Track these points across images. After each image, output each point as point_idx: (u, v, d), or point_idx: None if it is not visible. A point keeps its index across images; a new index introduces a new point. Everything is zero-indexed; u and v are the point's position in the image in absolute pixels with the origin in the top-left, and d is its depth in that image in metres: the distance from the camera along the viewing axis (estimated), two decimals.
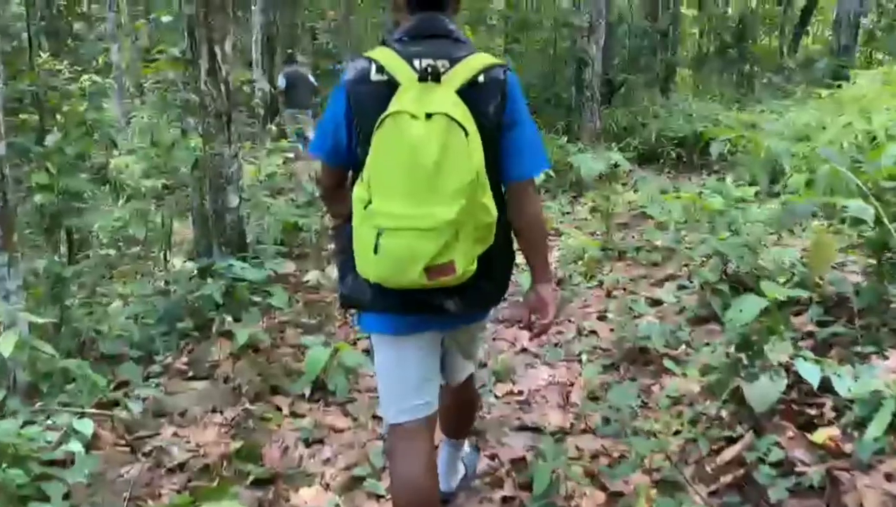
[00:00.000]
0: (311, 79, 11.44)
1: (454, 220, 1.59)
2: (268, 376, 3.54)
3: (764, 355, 2.52)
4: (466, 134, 1.61)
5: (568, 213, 6.62)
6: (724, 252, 3.55)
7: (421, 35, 1.81)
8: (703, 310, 3.81)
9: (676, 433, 2.68)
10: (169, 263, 5.87)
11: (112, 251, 6.55)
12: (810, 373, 2.38)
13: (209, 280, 4.43)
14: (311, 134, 11.38)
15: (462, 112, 1.64)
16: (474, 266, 1.68)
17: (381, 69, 1.75)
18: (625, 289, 4.42)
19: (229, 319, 4.20)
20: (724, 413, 2.64)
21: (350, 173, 1.89)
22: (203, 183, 5.13)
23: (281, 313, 4.43)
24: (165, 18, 6.62)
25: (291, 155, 10.32)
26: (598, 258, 4.82)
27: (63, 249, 5.87)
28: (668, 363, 3.17)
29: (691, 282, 4.28)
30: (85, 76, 8.40)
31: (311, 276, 4.96)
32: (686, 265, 4.60)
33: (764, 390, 2.42)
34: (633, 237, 5.48)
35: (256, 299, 4.39)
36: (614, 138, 9.22)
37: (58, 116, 7.62)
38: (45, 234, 5.46)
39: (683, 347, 3.50)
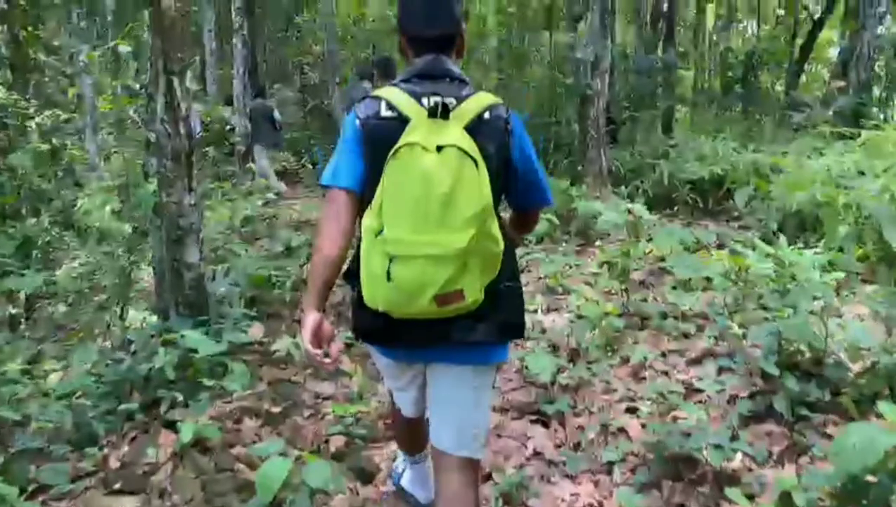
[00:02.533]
0: (276, 115, 10.78)
1: (465, 248, 1.63)
2: (213, 493, 2.78)
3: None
4: (477, 165, 1.65)
5: (576, 265, 5.85)
6: (790, 336, 2.83)
7: (426, 76, 1.86)
8: (756, 404, 3.09)
9: None
10: (125, 320, 5.16)
11: (63, 308, 5.85)
12: None
13: (161, 350, 3.74)
14: (272, 178, 10.71)
15: (471, 145, 1.68)
16: (482, 295, 1.72)
17: (390, 106, 1.80)
18: (654, 369, 3.68)
19: (181, 398, 3.54)
20: None
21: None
22: (162, 233, 4.47)
23: (240, 396, 3.68)
24: (123, 48, 5.99)
25: (272, 196, 9.66)
26: (617, 327, 4.08)
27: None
28: (729, 492, 2.41)
29: (734, 361, 3.55)
30: (47, 112, 7.74)
31: (281, 345, 4.19)
32: (722, 339, 3.88)
33: None
34: (656, 299, 4.73)
35: (211, 381, 3.65)
36: (621, 181, 8.55)
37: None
38: None
39: (740, 456, 2.76)
